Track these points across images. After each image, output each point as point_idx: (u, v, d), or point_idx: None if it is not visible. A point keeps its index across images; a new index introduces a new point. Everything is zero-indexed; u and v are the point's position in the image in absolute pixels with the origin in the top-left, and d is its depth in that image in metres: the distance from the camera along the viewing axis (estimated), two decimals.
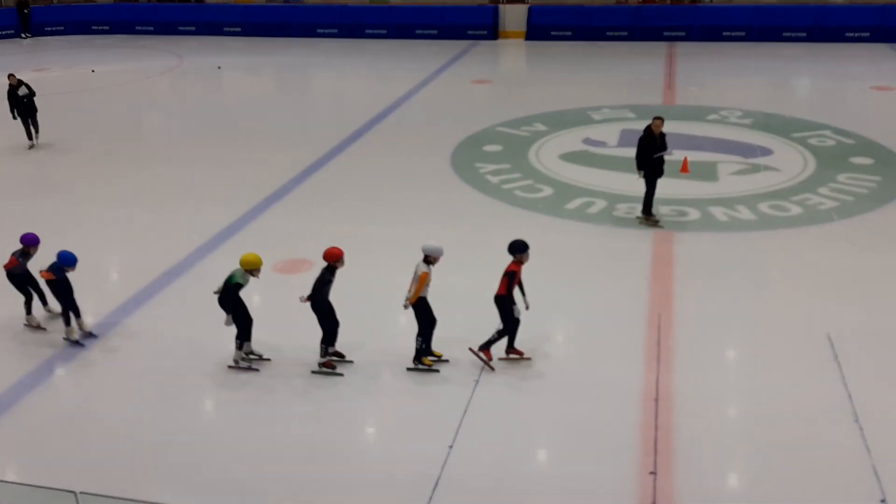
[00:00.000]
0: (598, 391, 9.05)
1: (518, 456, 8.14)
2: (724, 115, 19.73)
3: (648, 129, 13.21)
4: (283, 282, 11.67)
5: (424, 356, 9.47)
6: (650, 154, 13.10)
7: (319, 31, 31.75)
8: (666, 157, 13.33)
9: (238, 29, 32.41)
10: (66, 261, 9.89)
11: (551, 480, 7.83)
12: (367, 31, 31.37)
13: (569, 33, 29.89)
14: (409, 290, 9.28)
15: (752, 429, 8.48)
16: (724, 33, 28.61)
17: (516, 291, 9.36)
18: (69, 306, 10.00)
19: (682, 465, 7.87)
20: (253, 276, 9.38)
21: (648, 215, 13.46)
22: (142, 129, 21.10)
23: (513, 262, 9.28)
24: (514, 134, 18.79)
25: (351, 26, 31.47)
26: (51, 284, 10.03)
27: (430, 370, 9.46)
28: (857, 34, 27.69)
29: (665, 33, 29.10)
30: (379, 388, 9.32)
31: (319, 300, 9.22)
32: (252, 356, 9.77)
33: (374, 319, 10.60)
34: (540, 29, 30.26)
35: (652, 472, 7.75)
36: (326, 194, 15.46)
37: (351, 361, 9.62)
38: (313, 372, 9.47)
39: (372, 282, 11.32)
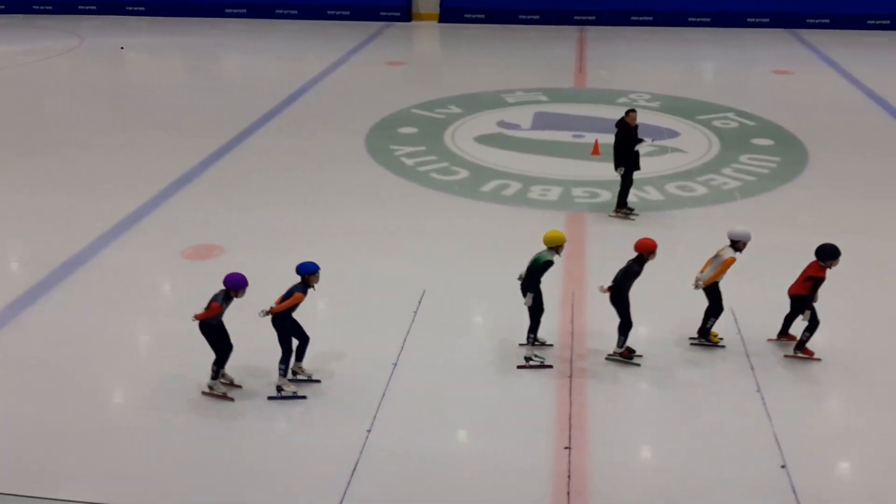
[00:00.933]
0: (515, 371, 9.15)
1: (437, 436, 8.16)
2: (633, 98, 20.15)
3: (623, 122, 12.98)
4: (192, 268, 11.38)
5: (706, 335, 9.49)
6: (631, 147, 12.94)
7: (227, 11, 30.94)
8: (643, 149, 13.27)
9: (142, 8, 31.28)
10: None
11: (467, 460, 7.89)
12: (277, 12, 30.75)
13: (482, 16, 29.98)
14: (704, 272, 9.24)
15: (661, 401, 8.74)
16: (632, 18, 29.19)
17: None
18: None
19: (596, 439, 8.04)
20: (557, 253, 9.08)
21: (624, 208, 13.28)
22: (40, 112, 20.16)
23: (821, 268, 8.96)
24: (429, 116, 18.77)
25: (260, 6, 30.79)
26: None
27: (716, 346, 9.48)
28: (758, 20, 28.63)
29: (576, 17, 29.50)
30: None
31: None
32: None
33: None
34: (453, 12, 30.26)
35: (567, 447, 7.90)
36: (236, 179, 15.12)
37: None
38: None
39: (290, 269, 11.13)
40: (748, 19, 28.68)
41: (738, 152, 16.19)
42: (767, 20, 28.59)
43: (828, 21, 28.31)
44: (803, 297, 9.08)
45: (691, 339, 9.67)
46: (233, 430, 8.25)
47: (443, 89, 20.97)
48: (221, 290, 8.33)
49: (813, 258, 9.06)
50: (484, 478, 7.57)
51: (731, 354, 9.39)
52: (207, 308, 8.26)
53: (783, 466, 7.61)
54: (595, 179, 14.80)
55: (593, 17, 29.44)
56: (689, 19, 28.93)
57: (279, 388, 8.59)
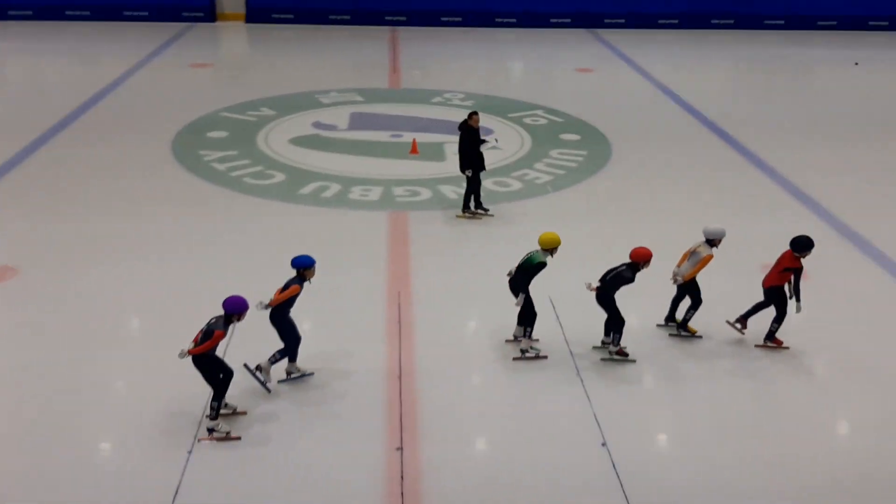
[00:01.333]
0: (344, 372, 8.95)
1: (264, 444, 7.80)
2: (447, 97, 20.43)
3: (467, 125, 12.86)
4: None
5: (685, 327, 9.75)
6: (476, 149, 12.87)
7: (11, 13, 28.44)
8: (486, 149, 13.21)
9: None
10: None
11: (298, 466, 7.60)
12: (68, 13, 28.61)
13: (290, 16, 29.38)
14: (680, 266, 9.55)
15: (490, 393, 8.85)
16: (442, 18, 29.65)
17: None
18: None
19: (428, 439, 7.99)
20: (551, 255, 9.08)
21: (472, 209, 13.22)
22: None
23: (796, 258, 9.30)
24: (240, 119, 18.12)
25: (48, 8, 28.49)
26: None
27: (693, 336, 9.77)
28: (560, 20, 29.94)
29: (386, 17, 29.58)
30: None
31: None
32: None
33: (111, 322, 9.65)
34: (260, 12, 29.45)
35: (398, 448, 7.79)
36: (28, 192, 13.85)
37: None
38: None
39: (102, 284, 10.31)
40: (551, 20, 29.91)
41: (549, 147, 16.78)
42: (569, 20, 29.95)
43: (623, 21, 30.07)
44: (779, 288, 9.44)
45: (671, 333, 9.91)
46: (255, 459, 7.56)
47: (253, 91, 20.31)
48: (220, 316, 7.77)
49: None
50: (315, 484, 7.32)
51: (552, 342, 9.64)
52: (210, 338, 7.61)
53: (603, 444, 7.90)
54: (415, 178, 14.85)
55: (404, 18, 29.63)
56: (497, 20, 29.77)
57: (288, 373, 8.77)
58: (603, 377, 9.02)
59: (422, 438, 7.98)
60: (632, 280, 9.09)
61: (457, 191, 14.21)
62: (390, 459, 7.67)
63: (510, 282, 9.29)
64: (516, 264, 9.25)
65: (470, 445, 8.08)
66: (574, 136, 17.59)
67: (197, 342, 7.70)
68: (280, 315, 8.43)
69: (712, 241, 9.62)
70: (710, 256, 9.54)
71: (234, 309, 7.79)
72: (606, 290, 9.13)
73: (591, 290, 9.17)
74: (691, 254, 9.75)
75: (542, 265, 9.10)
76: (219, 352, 7.99)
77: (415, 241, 12.38)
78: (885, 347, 9.78)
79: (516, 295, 9.19)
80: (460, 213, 13.24)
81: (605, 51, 26.65)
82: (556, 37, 28.59)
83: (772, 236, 12.58)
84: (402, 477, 7.44)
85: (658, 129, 18.37)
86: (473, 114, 13.06)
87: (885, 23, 30.30)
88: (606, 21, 30.01)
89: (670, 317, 10.05)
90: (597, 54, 26.16)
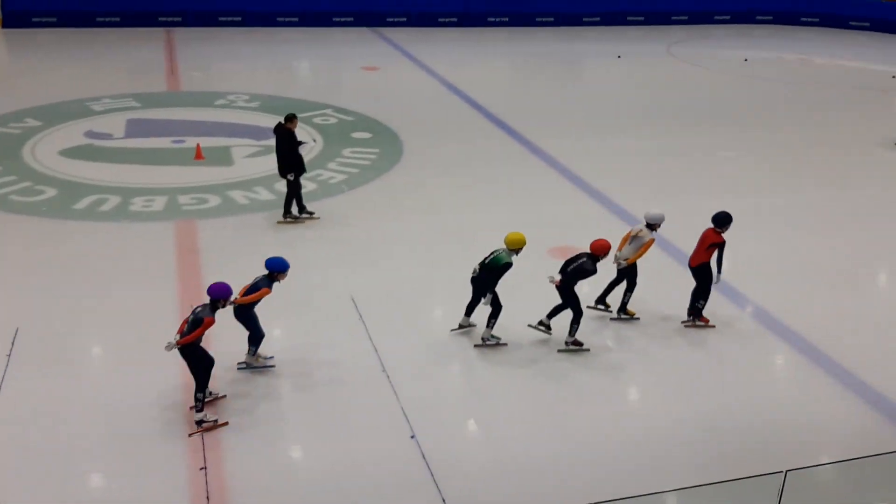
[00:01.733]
0: (139, 397, 8.44)
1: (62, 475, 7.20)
2: (231, 99, 19.83)
3: (285, 128, 12.53)
4: None
5: (625, 310, 10.10)
6: (296, 152, 12.51)
7: None
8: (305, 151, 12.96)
9: None
10: None
11: (106, 493, 7.10)
12: None
13: (53, 20, 27.26)
14: (621, 251, 9.86)
15: (295, 398, 8.71)
16: (220, 18, 28.73)
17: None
18: None
19: (231, 456, 7.72)
20: (516, 254, 9.29)
21: (296, 213, 12.90)
22: None
23: (718, 233, 9.75)
24: (2, 132, 16.57)
25: None
26: None
27: (632, 318, 10.19)
28: (343, 19, 29.97)
29: (160, 19, 28.22)
30: None
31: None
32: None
33: None
34: (18, 16, 27.10)
35: (202, 468, 7.48)
36: None
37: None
38: None
39: None
40: (334, 19, 29.86)
41: (341, 147, 16.74)
42: (352, 19, 30.05)
43: (405, 20, 30.60)
44: (706, 265, 9.78)
45: (612, 317, 10.26)
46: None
47: (15, 101, 18.64)
48: (206, 304, 7.94)
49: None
50: None
51: (356, 339, 9.64)
52: (200, 325, 7.75)
53: (413, 437, 8.01)
54: (202, 185, 14.28)
55: (179, 18, 28.41)
56: (278, 19, 29.27)
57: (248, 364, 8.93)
58: (407, 373, 9.12)
59: (225, 457, 7.69)
60: (594, 272, 9.28)
61: (247, 195, 13.85)
62: (194, 479, 7.34)
63: (473, 280, 9.49)
64: (479, 262, 9.44)
65: (280, 452, 7.89)
66: (365, 134, 17.67)
67: (182, 332, 7.79)
68: (245, 312, 8.61)
69: (653, 226, 10.01)
70: (653, 241, 9.99)
71: (220, 294, 8.00)
72: (567, 281, 9.33)
73: (555, 283, 9.27)
74: (632, 238, 10.11)
75: (509, 265, 9.24)
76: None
77: (205, 251, 11.91)
78: (669, 331, 10.60)
79: (482, 294, 9.43)
80: (281, 217, 12.92)
81: (389, 49, 26.99)
82: (340, 36, 28.59)
83: (556, 221, 13.41)
84: (207, 498, 7.14)
85: (446, 123, 18.88)
86: (293, 117, 12.79)
87: (642, 17, 32.97)
88: (389, 20, 30.40)
89: (601, 299, 10.45)
90: (381, 52, 26.43)
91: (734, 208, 14.59)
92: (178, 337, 7.80)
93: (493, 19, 31.43)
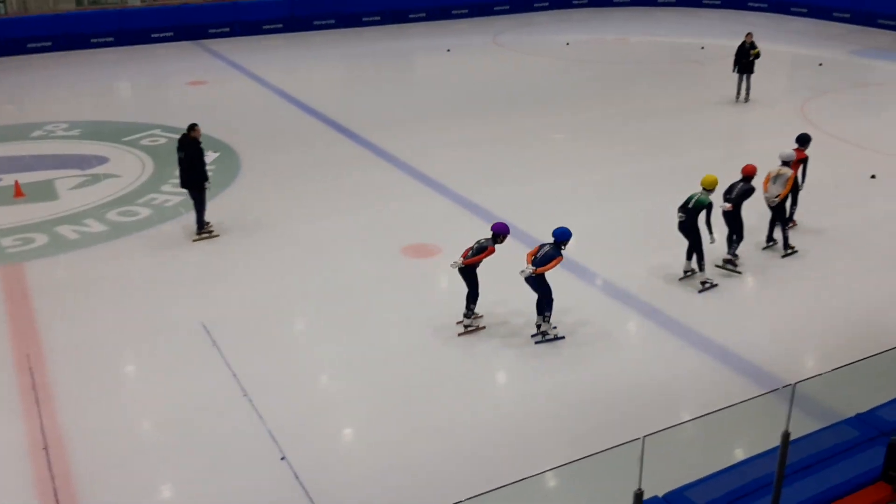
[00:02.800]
0: None
1: None
2: (49, 129, 18.60)
3: (189, 139, 12.43)
4: None
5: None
6: (202, 162, 12.48)
7: None
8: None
9: None
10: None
11: None
12: None
13: None
14: (768, 191, 11.37)
15: (162, 435, 8.28)
16: (28, 45, 26.92)
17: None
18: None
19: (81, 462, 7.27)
20: (711, 193, 10.61)
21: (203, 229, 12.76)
22: None
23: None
24: None
25: None
26: None
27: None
28: (162, 34, 28.77)
29: None
30: None
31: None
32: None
33: None
34: None
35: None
36: None
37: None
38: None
39: None
40: (153, 35, 28.63)
41: (174, 167, 15.91)
42: (172, 34, 28.90)
43: (228, 30, 29.76)
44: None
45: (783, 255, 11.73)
46: None
47: None
48: (489, 238, 9.67)
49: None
50: None
51: (211, 366, 9.28)
52: (482, 252, 9.57)
53: (283, 458, 7.80)
54: (25, 224, 13.31)
55: None
56: (92, 41, 27.72)
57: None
58: (270, 394, 8.87)
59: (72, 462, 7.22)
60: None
61: (77, 229, 13.05)
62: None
63: (681, 225, 10.65)
64: (681, 208, 10.60)
65: (147, 495, 7.48)
66: None
67: (466, 256, 9.60)
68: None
69: (788, 163, 11.65)
70: (794, 175, 11.68)
71: (502, 230, 9.74)
72: (736, 205, 10.91)
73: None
74: (774, 177, 11.54)
75: (711, 204, 10.56)
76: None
77: (37, 294, 11.11)
78: (523, 310, 10.84)
79: (693, 236, 10.68)
80: (196, 235, 12.70)
81: (215, 61, 26.17)
82: (161, 52, 27.46)
83: (406, 219, 13.45)
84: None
85: (282, 132, 18.49)
86: (194, 126, 12.62)
87: (466, 10, 33.61)
88: (211, 31, 29.48)
89: (769, 237, 11.99)
90: (207, 65, 25.58)
91: (570, 187, 15.19)
92: (461, 259, 9.59)
93: (319, 22, 31.11)
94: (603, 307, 10.67)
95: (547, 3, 35.19)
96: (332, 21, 31.26)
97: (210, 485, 7.53)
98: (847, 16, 31.34)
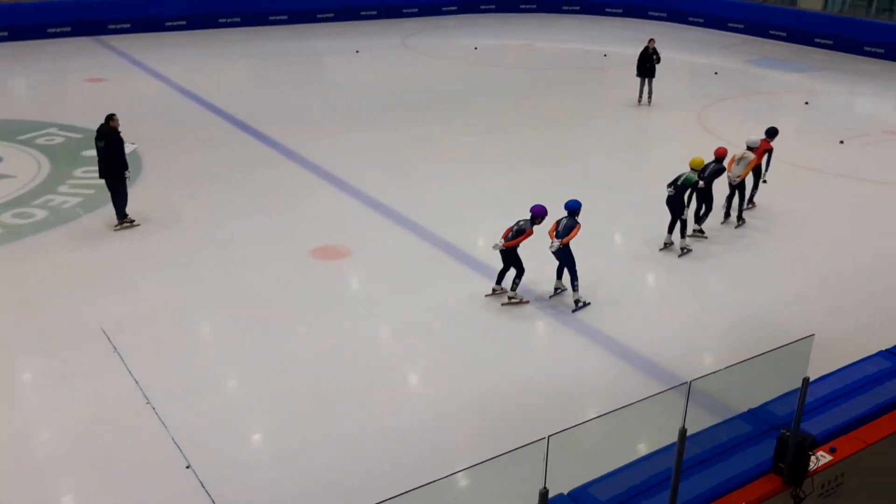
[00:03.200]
0: None
1: None
2: None
3: (111, 128, 12.45)
4: None
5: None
6: (123, 151, 12.49)
7: None
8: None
9: None
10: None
11: None
12: None
13: None
14: (732, 171, 12.78)
15: (60, 447, 7.96)
16: None
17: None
18: None
19: None
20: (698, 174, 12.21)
21: (126, 218, 12.85)
22: None
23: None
24: None
25: None
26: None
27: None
28: (58, 29, 27.62)
29: None
30: None
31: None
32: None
33: None
34: None
35: None
36: None
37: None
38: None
39: None
40: (48, 30, 27.47)
41: (72, 167, 15.47)
42: (69, 29, 27.81)
43: (129, 26, 28.83)
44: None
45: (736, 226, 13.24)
46: None
47: None
48: (527, 219, 10.40)
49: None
50: None
51: (112, 373, 8.99)
52: (522, 234, 10.31)
53: (188, 467, 7.62)
54: None
55: None
56: None
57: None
58: (173, 401, 8.65)
59: None
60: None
61: None
62: None
63: (669, 200, 11.98)
64: (671, 185, 11.97)
65: None
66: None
67: (507, 238, 10.38)
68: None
69: (753, 148, 13.30)
70: (757, 160, 13.26)
71: (541, 213, 10.45)
72: (708, 183, 12.20)
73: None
74: (738, 160, 12.99)
75: (697, 182, 12.04)
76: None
77: None
78: (433, 312, 10.90)
79: (677, 211, 12.05)
80: (118, 224, 12.72)
81: (115, 58, 25.30)
82: (57, 47, 26.37)
83: (314, 221, 13.33)
84: None
85: (186, 132, 18.05)
86: (112, 115, 12.65)
87: (374, 12, 33.53)
88: (111, 27, 28.51)
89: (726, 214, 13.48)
90: (106, 62, 24.69)
91: (477, 189, 15.37)
92: (502, 241, 10.35)
93: (224, 20, 30.48)
94: (509, 309, 10.83)
95: (455, 8, 35.49)
96: (238, 19, 30.69)
97: (113, 496, 7.30)
98: (741, 26, 32.76)
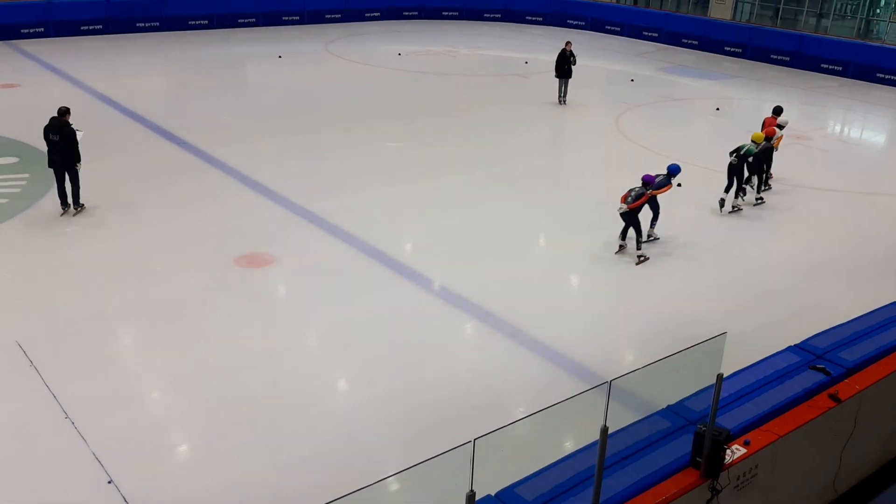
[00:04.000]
0: None
1: None
2: None
3: (63, 121, 13.00)
4: None
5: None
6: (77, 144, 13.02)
7: None
8: None
9: None
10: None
11: None
12: None
13: None
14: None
15: None
16: None
17: None
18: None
19: None
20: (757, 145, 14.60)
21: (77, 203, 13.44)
22: None
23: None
24: None
25: None
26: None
27: None
28: None
29: None
30: None
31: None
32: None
33: None
34: None
35: None
36: None
37: None
38: None
39: None
40: None
41: None
42: None
43: (42, 30, 27.95)
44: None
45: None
46: None
47: None
48: (641, 187, 12.23)
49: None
50: None
51: (29, 388, 8.71)
52: (640, 198, 12.10)
53: (110, 482, 7.46)
54: None
55: None
56: None
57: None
58: (94, 415, 8.44)
59: None
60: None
61: None
62: None
63: (730, 167, 14.35)
64: (734, 153, 14.29)
65: None
66: (11, 159, 15.91)
67: (626, 201, 12.11)
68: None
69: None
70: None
71: (649, 179, 12.30)
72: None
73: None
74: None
75: (756, 153, 14.35)
76: None
77: None
78: (359, 317, 10.90)
79: (738, 176, 14.46)
80: (74, 209, 13.36)
81: (28, 63, 24.48)
82: None
83: (239, 229, 13.17)
84: None
85: (104, 139, 17.53)
86: (67, 110, 13.22)
87: (297, 17, 33.30)
88: (24, 31, 27.60)
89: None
90: (20, 67, 23.88)
91: (405, 194, 15.45)
92: (624, 205, 12.08)
93: (142, 24, 29.83)
94: (439, 311, 10.93)
95: (378, 14, 35.54)
96: (157, 24, 30.10)
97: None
98: (656, 35, 33.76)
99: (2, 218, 13.17)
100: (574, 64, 21.87)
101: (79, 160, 13.16)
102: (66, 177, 13.21)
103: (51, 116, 13.18)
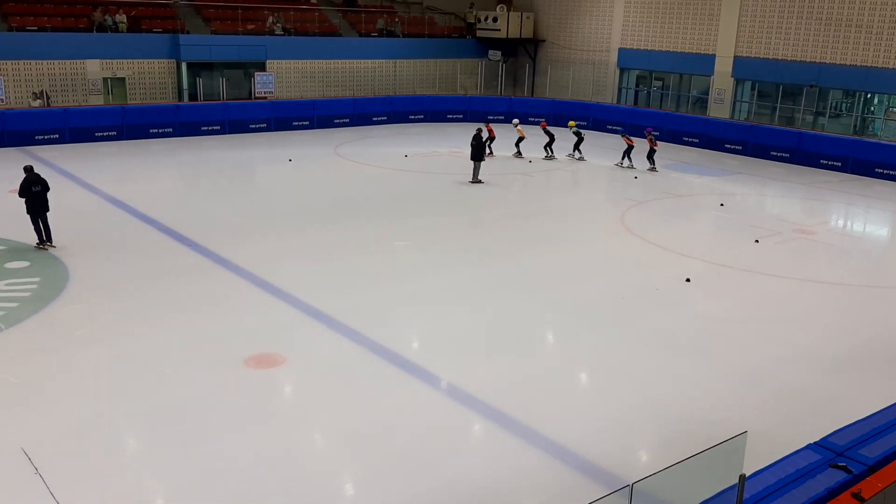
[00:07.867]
0: None
1: None
2: None
3: (35, 173, 16.74)
4: None
5: None
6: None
7: None
8: None
9: None
10: None
11: None
12: None
13: None
14: None
15: None
16: None
17: None
18: None
19: None
20: None
21: (49, 240, 17.01)
22: None
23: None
24: None
25: None
26: None
27: None
28: None
29: None
30: None
31: None
32: None
33: None
34: None
35: None
36: None
37: None
38: None
39: None
40: None
41: None
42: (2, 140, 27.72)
43: (57, 136, 28.73)
44: None
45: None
46: None
47: None
48: None
49: None
50: None
51: (34, 497, 8.55)
52: None
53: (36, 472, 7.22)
54: None
55: None
56: None
57: None
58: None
59: None
60: None
61: None
62: None
63: None
64: None
65: None
66: (22, 263, 16.06)
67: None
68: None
69: None
70: None
71: None
72: None
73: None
74: None
75: None
76: None
77: None
78: (370, 418, 10.78)
79: None
80: (50, 244, 16.77)
81: (42, 168, 24.87)
82: None
83: (250, 330, 13.16)
84: None
85: (116, 242, 17.80)
86: (31, 167, 16.97)
87: (307, 122, 34.20)
88: (38, 138, 28.35)
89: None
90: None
91: (413, 292, 15.49)
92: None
93: (155, 130, 30.64)
94: (445, 409, 10.80)
95: (385, 118, 36.51)
96: (170, 130, 30.91)
97: None
98: (658, 133, 34.50)
99: (11, 322, 13.20)
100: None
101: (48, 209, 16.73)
102: (39, 220, 16.57)
103: (25, 174, 16.64)
